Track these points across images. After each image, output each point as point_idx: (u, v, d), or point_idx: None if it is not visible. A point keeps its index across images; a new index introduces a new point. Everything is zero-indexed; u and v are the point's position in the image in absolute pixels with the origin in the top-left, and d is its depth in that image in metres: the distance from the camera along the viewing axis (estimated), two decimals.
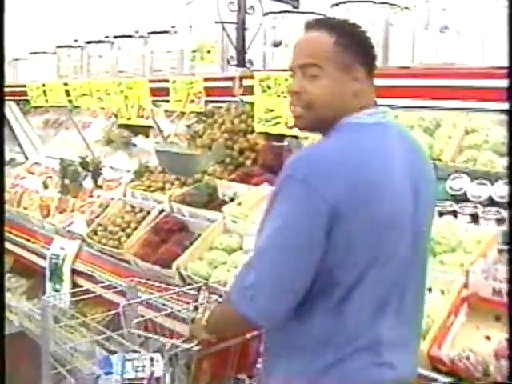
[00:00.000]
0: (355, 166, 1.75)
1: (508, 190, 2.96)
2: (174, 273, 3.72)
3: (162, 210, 4.29)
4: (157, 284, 3.18)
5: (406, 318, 1.95)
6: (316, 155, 1.77)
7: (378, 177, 1.78)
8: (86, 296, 3.42)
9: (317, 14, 3.41)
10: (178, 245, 3.95)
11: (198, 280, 3.62)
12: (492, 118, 3.86)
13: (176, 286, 3.51)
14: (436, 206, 3.47)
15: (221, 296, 2.99)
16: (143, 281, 3.25)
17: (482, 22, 2.82)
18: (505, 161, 3.64)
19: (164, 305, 3.01)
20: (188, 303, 2.92)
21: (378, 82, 1.96)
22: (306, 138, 4.26)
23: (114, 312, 3.06)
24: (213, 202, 4.25)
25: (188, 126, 5.52)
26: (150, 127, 5.40)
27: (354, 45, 1.82)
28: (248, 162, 4.71)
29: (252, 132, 4.83)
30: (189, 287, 2.92)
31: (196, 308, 2.81)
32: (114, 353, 2.74)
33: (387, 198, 1.79)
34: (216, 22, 3.54)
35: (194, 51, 3.84)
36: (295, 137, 4.06)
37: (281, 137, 4.62)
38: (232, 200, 4.22)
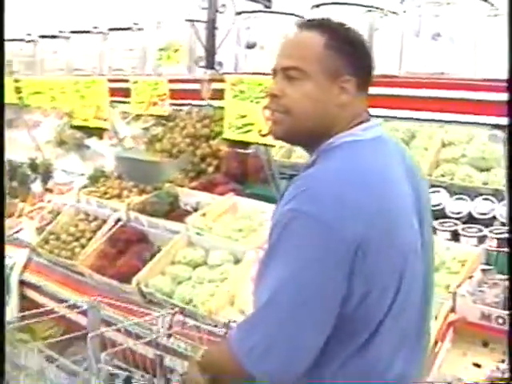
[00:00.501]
0: (370, 193, 1.52)
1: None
2: (134, 288, 3.45)
3: (119, 219, 4.00)
4: (123, 305, 2.91)
5: (420, 344, 1.78)
6: (321, 183, 1.52)
7: (392, 204, 1.58)
8: (36, 310, 3.11)
9: (296, 15, 3.21)
10: (137, 257, 3.67)
11: (160, 297, 3.37)
12: (469, 132, 3.74)
13: (142, 306, 3.25)
14: None
15: (196, 319, 2.75)
16: (106, 300, 2.98)
17: (473, 30, 2.68)
18: (483, 176, 3.52)
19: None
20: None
21: None
22: (274, 146, 4.06)
23: (75, 335, 2.78)
24: (174, 211, 3.99)
25: (145, 129, 5.24)
26: (104, 129, 5.10)
27: (346, 50, 1.61)
28: (210, 169, 4.47)
29: (215, 137, 4.61)
30: (163, 312, 2.65)
31: (170, 335, 2.59)
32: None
33: (403, 225, 1.60)
34: (186, 20, 3.28)
35: (160, 50, 3.57)
36: (265, 145, 3.84)
37: (245, 144, 4.40)
38: (195, 210, 3.97)
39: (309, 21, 1.68)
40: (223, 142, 4.53)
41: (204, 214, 3.79)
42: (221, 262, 3.41)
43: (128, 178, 3.93)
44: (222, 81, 3.32)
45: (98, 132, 5.36)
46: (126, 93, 3.81)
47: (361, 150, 1.62)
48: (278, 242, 1.51)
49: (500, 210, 3.24)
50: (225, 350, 1.61)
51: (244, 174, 4.37)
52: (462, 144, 3.73)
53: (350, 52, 1.62)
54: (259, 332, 1.51)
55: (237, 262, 3.44)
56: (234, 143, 4.35)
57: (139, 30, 3.91)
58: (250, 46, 3.22)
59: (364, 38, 1.72)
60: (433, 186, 3.56)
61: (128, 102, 3.84)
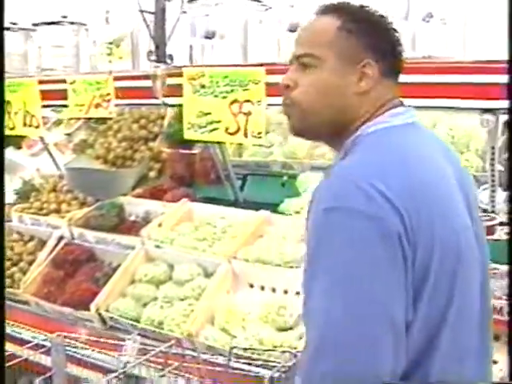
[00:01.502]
0: (410, 179, 1.32)
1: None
2: (93, 315, 3.05)
3: (62, 237, 3.56)
4: (90, 338, 2.52)
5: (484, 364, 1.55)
6: (355, 174, 1.31)
7: (438, 191, 1.38)
8: None
9: (259, 1, 2.93)
10: (89, 279, 3.27)
11: (125, 322, 2.99)
12: (432, 116, 3.59)
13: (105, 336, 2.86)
14: None
15: (194, 350, 2.41)
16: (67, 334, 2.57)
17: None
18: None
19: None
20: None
21: None
22: (232, 143, 3.77)
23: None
24: (122, 223, 3.60)
25: (68, 135, 4.79)
26: (22, 137, 4.60)
27: (365, 32, 1.44)
28: (153, 174, 4.09)
29: (154, 139, 4.24)
30: (163, 348, 2.28)
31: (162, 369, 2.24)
32: None
33: (454, 213, 1.40)
34: (139, 11, 2.90)
35: (100, 45, 3.18)
36: (219, 143, 3.54)
37: (190, 143, 4.08)
38: (145, 220, 3.61)
39: (327, 5, 1.49)
40: (163, 143, 4.18)
41: (160, 225, 3.43)
42: (190, 276, 3.07)
43: (83, 192, 3.49)
44: (178, 75, 2.99)
45: (15, 141, 4.84)
46: (63, 95, 3.37)
47: (393, 136, 1.42)
48: (319, 246, 1.29)
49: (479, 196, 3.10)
50: None
51: (191, 176, 4.04)
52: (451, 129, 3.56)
53: (370, 34, 1.44)
54: (325, 362, 1.24)
55: (207, 275, 3.12)
56: (177, 144, 4.03)
57: (71, 24, 3.48)
58: (209, 36, 2.90)
59: (388, 20, 1.49)
60: None
61: (64, 106, 3.40)
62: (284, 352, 2.31)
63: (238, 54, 2.98)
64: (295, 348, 2.62)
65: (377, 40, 1.45)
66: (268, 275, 3.01)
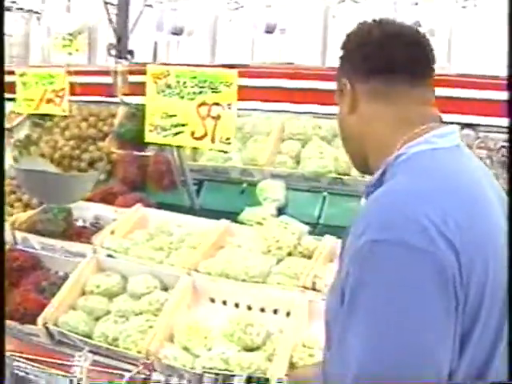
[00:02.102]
0: (459, 208, 1.19)
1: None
2: (40, 329, 2.79)
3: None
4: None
5: None
6: (399, 202, 1.18)
7: (492, 222, 1.26)
8: None
9: None
10: (34, 289, 3.01)
11: (75, 338, 2.76)
12: None
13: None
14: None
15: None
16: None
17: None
18: None
19: None
20: None
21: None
22: (196, 148, 3.57)
23: None
24: (70, 229, 3.35)
25: (9, 130, 4.46)
26: None
27: (349, 55, 1.42)
28: (102, 176, 3.85)
29: (103, 138, 4.00)
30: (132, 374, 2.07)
31: None
32: None
33: (503, 246, 1.26)
34: (103, 2, 2.67)
35: (56, 36, 2.93)
36: (180, 146, 3.34)
37: (142, 145, 3.86)
38: (95, 226, 3.37)
39: None
40: (113, 143, 3.95)
41: (113, 232, 3.20)
42: (147, 289, 2.86)
43: (36, 197, 3.20)
44: (141, 73, 2.78)
45: None
46: (10, 88, 3.09)
47: (442, 160, 1.29)
48: (362, 282, 1.15)
49: None
50: None
51: (144, 180, 3.82)
52: None
53: (350, 50, 1.42)
54: None
55: (165, 288, 2.92)
56: (128, 145, 3.81)
57: (19, 10, 3.20)
58: (177, 32, 2.71)
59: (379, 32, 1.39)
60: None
61: (12, 99, 3.13)
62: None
63: (206, 52, 2.79)
64: (264, 371, 2.47)
65: (353, 55, 1.41)
66: (231, 290, 2.83)
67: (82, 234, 3.29)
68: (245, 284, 2.81)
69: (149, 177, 3.77)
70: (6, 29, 3.26)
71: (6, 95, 3.21)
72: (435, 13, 2.39)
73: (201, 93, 2.67)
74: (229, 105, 2.63)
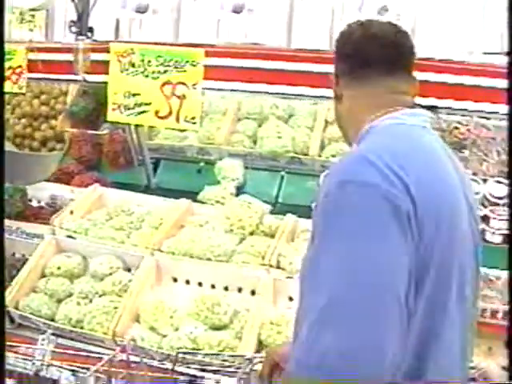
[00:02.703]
0: (426, 169, 1.35)
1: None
2: None
3: None
4: None
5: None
6: (365, 153, 1.33)
7: (447, 186, 1.39)
8: None
9: None
10: None
11: (38, 321, 2.71)
12: None
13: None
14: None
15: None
16: None
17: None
18: None
19: None
20: None
21: None
22: (152, 127, 3.54)
23: None
24: (27, 210, 3.28)
25: None
26: None
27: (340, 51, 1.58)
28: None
29: (55, 116, 3.91)
30: (111, 356, 2.05)
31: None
32: None
33: (459, 213, 1.40)
34: None
35: (12, 11, 2.84)
36: (137, 126, 3.30)
37: (95, 123, 3.80)
38: (52, 206, 3.31)
39: None
40: (66, 122, 3.87)
41: (72, 212, 3.15)
42: (110, 270, 2.84)
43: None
44: (103, 51, 2.73)
45: None
46: None
47: (408, 130, 1.45)
48: (329, 217, 1.27)
49: None
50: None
51: (99, 159, 3.76)
52: None
53: (341, 55, 1.58)
54: (328, 334, 1.18)
55: (127, 269, 2.90)
56: (82, 123, 3.74)
57: None
58: (141, 11, 2.67)
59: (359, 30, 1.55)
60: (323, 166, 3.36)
61: None
62: (236, 356, 2.17)
63: (169, 32, 2.76)
64: (233, 349, 2.51)
65: (340, 52, 1.57)
66: (194, 269, 2.85)
67: (39, 215, 3.24)
68: (208, 263, 2.83)
69: (104, 156, 3.71)
70: None
71: None
72: None
73: (165, 72, 2.64)
74: (194, 84, 2.62)
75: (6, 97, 3.80)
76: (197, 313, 2.65)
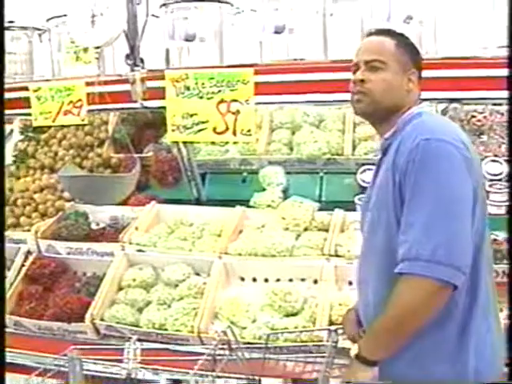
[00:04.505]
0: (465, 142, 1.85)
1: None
2: (88, 326, 3.00)
3: (29, 252, 3.45)
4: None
5: None
6: (440, 125, 1.88)
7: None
8: None
9: (231, 4, 3.06)
10: (71, 291, 3.20)
11: (124, 329, 2.97)
12: None
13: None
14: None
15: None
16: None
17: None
18: None
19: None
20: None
21: None
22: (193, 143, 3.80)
23: None
24: (92, 232, 3.55)
25: None
26: None
27: (409, 50, 2.01)
28: None
29: (101, 145, 4.19)
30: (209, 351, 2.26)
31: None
32: None
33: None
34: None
35: (66, 50, 3.12)
36: (189, 142, 3.58)
37: (139, 146, 4.10)
38: (114, 227, 3.57)
39: (378, 29, 2.08)
40: (112, 149, 4.15)
41: (137, 228, 3.43)
42: (183, 276, 3.11)
43: (83, 199, 3.36)
44: (158, 78, 3.02)
45: None
46: (23, 104, 3.26)
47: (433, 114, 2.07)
48: (422, 164, 1.74)
49: None
50: (402, 289, 1.70)
51: (147, 179, 4.04)
52: None
53: (412, 51, 2.02)
54: (436, 234, 1.68)
55: (196, 273, 3.17)
56: (126, 148, 4.01)
57: (22, 29, 3.36)
58: (190, 39, 2.97)
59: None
60: (363, 164, 3.64)
61: (26, 114, 3.29)
62: (321, 330, 2.44)
63: (215, 56, 3.06)
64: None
65: (415, 56, 2.02)
66: (260, 266, 3.12)
67: (104, 235, 3.49)
68: (273, 259, 3.10)
69: (152, 176, 3.98)
70: (9, 47, 3.42)
71: (18, 111, 3.38)
72: (424, 5, 2.75)
73: (219, 91, 2.92)
74: (246, 100, 2.91)
75: (50, 131, 4.09)
76: (270, 304, 2.92)
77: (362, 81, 1.96)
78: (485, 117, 3.90)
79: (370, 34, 2.06)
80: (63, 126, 3.89)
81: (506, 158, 3.45)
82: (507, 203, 3.07)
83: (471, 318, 1.81)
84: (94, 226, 3.69)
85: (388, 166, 1.87)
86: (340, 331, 2.30)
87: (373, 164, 3.57)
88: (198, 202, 3.86)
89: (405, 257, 1.71)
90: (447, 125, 1.92)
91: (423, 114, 1.93)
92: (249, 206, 3.54)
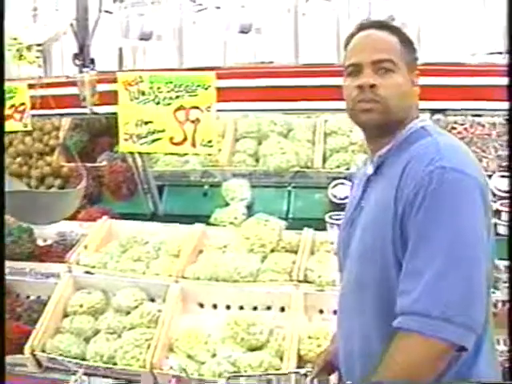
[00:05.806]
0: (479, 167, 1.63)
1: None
2: (28, 358, 2.67)
3: None
4: None
5: None
6: (457, 150, 1.58)
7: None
8: None
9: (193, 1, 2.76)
10: (11, 317, 2.86)
11: (68, 362, 2.65)
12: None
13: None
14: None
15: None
16: None
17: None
18: None
19: None
20: None
21: None
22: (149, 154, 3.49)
23: None
24: (37, 249, 3.22)
25: None
26: None
27: (412, 48, 1.73)
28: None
29: (51, 152, 3.85)
30: None
31: None
32: None
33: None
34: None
35: (8, 49, 2.79)
36: (144, 153, 3.27)
37: (93, 155, 3.78)
38: (62, 244, 3.24)
39: (374, 22, 1.76)
40: (62, 157, 3.82)
41: (86, 247, 3.10)
42: (135, 302, 2.80)
43: (18, 218, 2.99)
44: (110, 81, 2.71)
45: None
46: None
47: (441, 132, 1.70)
48: (435, 199, 1.47)
49: None
50: (408, 343, 1.42)
51: (99, 192, 3.71)
52: (346, 132, 3.61)
53: (414, 49, 1.72)
54: (449, 288, 1.42)
55: (151, 299, 2.86)
56: (78, 157, 3.68)
57: None
58: (145, 38, 2.67)
59: None
60: (333, 178, 3.37)
61: None
62: (292, 373, 2.15)
63: (174, 57, 2.76)
64: (275, 367, 2.48)
65: (415, 54, 1.72)
66: (221, 292, 2.83)
67: (49, 254, 3.17)
68: (234, 285, 2.81)
69: (105, 187, 3.66)
70: None
71: None
72: (407, 6, 2.50)
73: (177, 97, 2.63)
74: (208, 107, 2.62)
75: None
76: (232, 336, 2.62)
77: (373, 86, 1.62)
78: (465, 129, 3.67)
79: (365, 27, 1.72)
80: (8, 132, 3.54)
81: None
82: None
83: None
84: (40, 242, 3.36)
85: (388, 188, 1.57)
86: (310, 374, 2.02)
87: (345, 178, 3.39)
88: (154, 216, 3.56)
89: (410, 310, 1.43)
90: (463, 148, 1.61)
91: (431, 132, 1.63)
92: (209, 224, 3.24)
